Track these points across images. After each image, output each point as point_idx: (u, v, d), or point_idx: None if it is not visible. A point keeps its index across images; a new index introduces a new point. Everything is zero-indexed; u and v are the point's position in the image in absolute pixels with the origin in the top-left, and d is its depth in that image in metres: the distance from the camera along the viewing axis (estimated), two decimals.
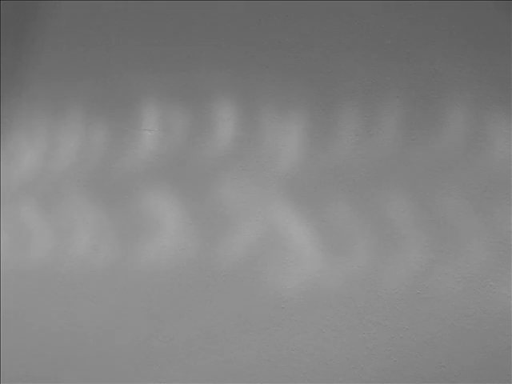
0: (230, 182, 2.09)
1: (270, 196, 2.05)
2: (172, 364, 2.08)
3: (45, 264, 2.23)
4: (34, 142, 2.31)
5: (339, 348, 1.95)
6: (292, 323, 1.99)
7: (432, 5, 1.99)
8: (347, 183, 1.99)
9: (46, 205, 2.26)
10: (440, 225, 1.90)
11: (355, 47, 2.04)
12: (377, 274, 1.93)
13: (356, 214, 1.97)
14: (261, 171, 2.07)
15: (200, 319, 2.07)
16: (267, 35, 2.11)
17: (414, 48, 1.99)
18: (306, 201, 2.02)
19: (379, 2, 2.03)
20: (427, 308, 1.89)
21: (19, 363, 2.23)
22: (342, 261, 1.96)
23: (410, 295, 1.91)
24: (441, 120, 1.95)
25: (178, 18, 2.21)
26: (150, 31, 2.23)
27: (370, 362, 1.92)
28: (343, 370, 1.94)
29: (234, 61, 2.13)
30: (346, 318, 1.95)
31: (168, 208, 2.14)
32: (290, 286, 2.00)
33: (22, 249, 2.27)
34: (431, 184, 1.93)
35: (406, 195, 1.94)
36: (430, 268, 1.90)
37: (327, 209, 2.00)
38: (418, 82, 1.98)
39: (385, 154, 1.97)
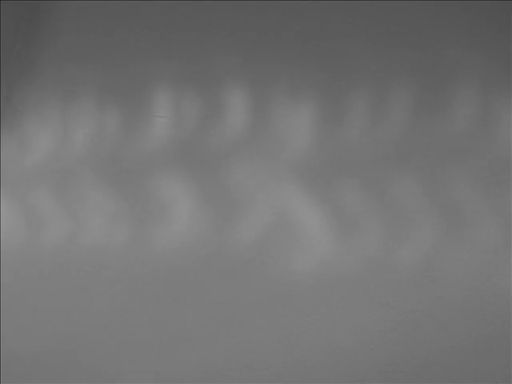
0: (241, 167, 2.11)
1: (281, 181, 2.07)
2: (184, 346, 2.11)
3: (58, 249, 2.26)
4: (46, 128, 2.33)
5: (349, 330, 1.97)
6: (303, 306, 2.02)
7: None
8: (357, 168, 2.01)
9: (59, 190, 2.28)
10: (449, 208, 1.93)
11: (364, 34, 2.05)
12: (386, 256, 1.96)
13: (366, 199, 1.99)
14: (272, 156, 2.09)
15: (212, 302, 2.09)
16: (277, 22, 2.13)
17: (422, 35, 2.00)
18: (316, 185, 2.04)
19: None
20: (436, 290, 1.91)
21: (34, 344, 2.26)
22: (352, 244, 1.99)
23: (419, 277, 1.93)
24: (449, 105, 1.97)
25: (190, 4, 2.22)
26: (162, 18, 2.24)
27: (380, 343, 1.94)
28: (353, 352, 1.96)
29: (244, 47, 2.15)
30: (356, 301, 1.97)
31: (180, 193, 2.16)
32: (301, 270, 2.03)
33: (35, 234, 2.29)
34: (440, 168, 1.95)
35: (416, 179, 1.96)
36: (439, 251, 1.92)
37: (337, 193, 2.02)
38: (427, 68, 1.99)
39: (394, 138, 1.99)
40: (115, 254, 2.19)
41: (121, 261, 2.19)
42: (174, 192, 2.17)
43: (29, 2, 2.40)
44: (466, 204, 1.92)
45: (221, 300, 2.09)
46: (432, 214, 1.94)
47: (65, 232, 2.25)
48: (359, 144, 2.02)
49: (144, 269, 2.17)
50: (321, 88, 2.07)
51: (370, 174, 2.00)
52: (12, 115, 2.38)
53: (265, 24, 2.14)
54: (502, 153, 1.91)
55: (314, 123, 2.06)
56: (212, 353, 2.08)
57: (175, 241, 2.14)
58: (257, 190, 2.09)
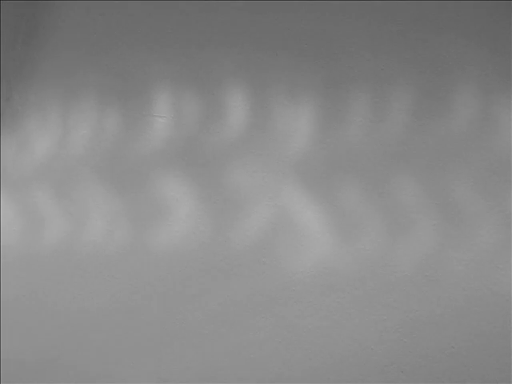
0: (242, 167, 2.11)
1: (281, 181, 2.08)
2: (185, 346, 2.11)
3: (58, 249, 2.26)
4: (46, 129, 2.33)
5: (350, 330, 1.98)
6: (303, 306, 2.02)
7: None
8: (357, 168, 2.02)
9: (60, 190, 2.28)
10: (448, 208, 1.93)
11: (364, 34, 2.06)
12: (386, 256, 1.96)
13: (366, 199, 2.00)
14: (271, 156, 2.09)
15: (212, 302, 2.10)
16: (277, 22, 2.13)
17: (422, 35, 2.01)
18: (316, 185, 2.04)
19: None
20: (436, 290, 1.92)
21: (34, 345, 2.26)
22: (352, 244, 1.99)
23: (419, 277, 1.93)
24: (449, 105, 1.97)
25: (190, 5, 2.22)
26: (162, 18, 2.24)
27: (380, 343, 1.95)
28: (353, 352, 1.97)
29: (244, 47, 2.15)
30: (356, 301, 1.98)
31: (180, 193, 2.16)
32: (301, 269, 2.03)
33: (36, 235, 2.29)
34: (440, 168, 1.95)
35: (415, 179, 1.96)
36: (439, 251, 1.93)
37: (337, 193, 2.02)
38: (426, 67, 2.00)
39: (394, 139, 2.00)
40: (115, 254, 2.20)
41: (121, 261, 2.19)
42: (174, 192, 2.17)
43: (29, 2, 2.40)
44: (466, 204, 1.92)
45: (221, 300, 2.09)
46: (432, 214, 1.94)
47: (65, 232, 2.26)
48: (359, 144, 2.02)
49: (144, 269, 2.17)
50: (321, 88, 2.07)
51: (370, 174, 2.00)
52: (12, 116, 2.38)
53: (265, 24, 2.14)
54: (502, 153, 1.91)
55: (313, 123, 2.07)
56: (212, 353, 2.09)
57: (175, 241, 2.15)
58: (257, 190, 2.09)
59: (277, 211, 2.07)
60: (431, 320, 1.91)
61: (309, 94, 2.08)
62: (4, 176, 2.34)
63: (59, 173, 2.29)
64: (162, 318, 2.14)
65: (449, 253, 1.92)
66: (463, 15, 1.98)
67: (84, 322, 2.21)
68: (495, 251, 1.89)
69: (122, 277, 2.19)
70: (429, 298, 1.92)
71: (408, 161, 1.98)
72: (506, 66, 1.93)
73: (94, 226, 2.23)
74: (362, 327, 1.96)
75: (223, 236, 2.11)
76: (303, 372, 2.00)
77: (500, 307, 1.87)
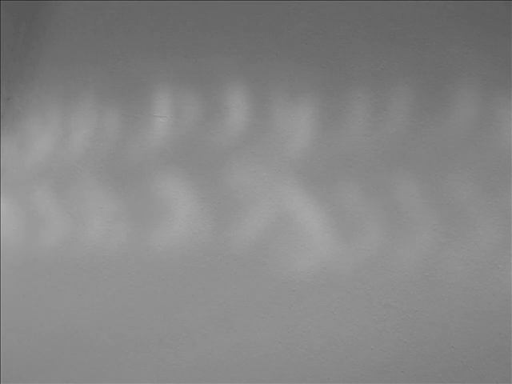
0: (242, 167, 2.12)
1: (281, 181, 2.08)
2: (185, 347, 2.11)
3: (58, 249, 2.26)
4: (46, 129, 2.33)
5: (349, 330, 1.98)
6: (303, 306, 2.02)
7: None
8: (357, 168, 2.02)
9: (60, 191, 2.29)
10: (449, 208, 1.93)
11: (364, 34, 2.06)
12: (386, 256, 1.96)
13: (366, 198, 2.00)
14: (272, 156, 2.10)
15: (212, 302, 2.10)
16: (277, 22, 2.13)
17: (422, 34, 2.01)
18: (316, 185, 2.04)
19: None
20: (436, 290, 1.92)
21: (34, 344, 2.26)
22: (352, 244, 1.99)
23: (419, 278, 1.93)
24: (449, 105, 1.97)
25: (190, 5, 2.23)
26: (161, 18, 2.25)
27: (380, 343, 1.95)
28: (353, 352, 1.97)
29: (244, 48, 2.15)
30: (356, 301, 1.98)
31: (180, 193, 2.16)
32: (301, 270, 2.03)
33: (35, 234, 2.30)
34: (440, 168, 1.95)
35: (415, 179, 1.96)
36: (439, 251, 1.93)
37: (337, 193, 2.02)
38: (426, 67, 2.00)
39: (394, 138, 2.00)
40: (115, 254, 2.20)
41: (121, 261, 2.19)
42: (174, 192, 2.17)
43: (29, 2, 2.40)
44: (466, 204, 1.92)
45: (221, 300, 2.09)
46: (432, 214, 1.94)
47: (65, 232, 2.26)
48: (359, 144, 2.02)
49: (144, 269, 2.17)
50: (321, 88, 2.07)
51: (370, 175, 2.00)
52: (13, 116, 2.38)
53: (265, 24, 2.14)
54: (502, 153, 1.91)
55: (313, 124, 2.07)
56: (212, 353, 2.09)
57: (175, 241, 2.15)
58: (257, 190, 2.09)
59: (277, 211, 2.07)
60: (431, 320, 1.91)
61: (309, 94, 2.08)
62: (4, 176, 2.35)
63: (59, 173, 2.29)
64: (162, 317, 2.14)
65: (449, 253, 1.92)
66: (463, 15, 1.98)
67: (84, 321, 2.21)
68: (495, 251, 1.89)
69: (122, 277, 2.19)
70: (429, 298, 1.92)
71: (408, 161, 1.98)
72: (505, 66, 1.93)
73: (93, 226, 2.24)
74: (362, 327, 1.96)
75: (223, 236, 2.11)
76: (303, 372, 2.00)
77: (500, 307, 1.87)
